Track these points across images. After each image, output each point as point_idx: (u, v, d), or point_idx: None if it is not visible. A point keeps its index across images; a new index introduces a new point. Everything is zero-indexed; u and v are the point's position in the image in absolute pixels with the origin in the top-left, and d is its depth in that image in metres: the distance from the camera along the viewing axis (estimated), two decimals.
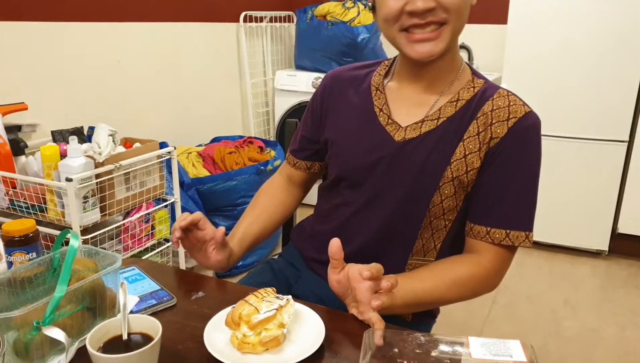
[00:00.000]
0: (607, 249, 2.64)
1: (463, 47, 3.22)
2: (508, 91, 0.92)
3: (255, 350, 0.71)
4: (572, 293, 2.34)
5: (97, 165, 1.67)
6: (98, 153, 1.70)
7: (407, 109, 0.94)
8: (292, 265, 1.13)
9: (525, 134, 0.88)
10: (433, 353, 0.64)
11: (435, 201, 0.90)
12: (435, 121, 0.91)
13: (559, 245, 2.74)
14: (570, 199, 2.64)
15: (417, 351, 0.64)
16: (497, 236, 0.88)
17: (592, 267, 2.60)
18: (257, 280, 1.10)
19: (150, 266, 0.96)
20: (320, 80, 1.40)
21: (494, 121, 0.88)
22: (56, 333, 0.67)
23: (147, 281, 0.90)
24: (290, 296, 0.77)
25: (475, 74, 0.95)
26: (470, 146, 0.88)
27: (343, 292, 0.82)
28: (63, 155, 1.68)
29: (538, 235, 2.77)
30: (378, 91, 0.98)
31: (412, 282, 0.86)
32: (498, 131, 0.87)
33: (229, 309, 0.77)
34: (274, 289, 0.80)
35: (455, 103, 0.91)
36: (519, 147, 0.88)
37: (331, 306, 0.84)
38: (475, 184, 0.90)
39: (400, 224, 0.94)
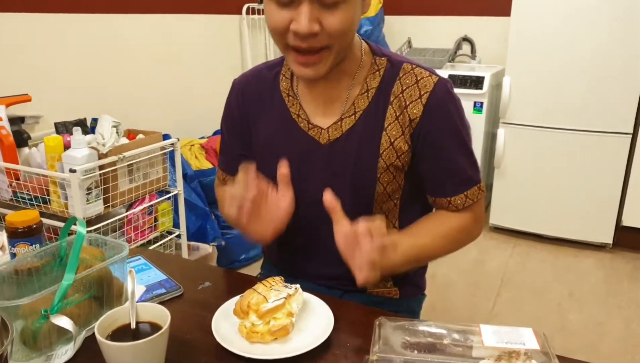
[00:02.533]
0: (611, 242, 2.63)
1: (466, 39, 3.20)
2: (411, 64, 0.91)
3: (264, 340, 0.71)
4: (577, 287, 2.34)
5: (101, 156, 1.66)
6: (102, 144, 1.69)
7: (323, 109, 0.93)
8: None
9: (441, 105, 0.88)
10: (445, 341, 0.63)
11: (378, 190, 0.91)
12: (353, 116, 0.91)
13: (563, 238, 2.73)
14: (574, 192, 2.63)
15: (429, 339, 0.63)
16: (459, 202, 0.93)
17: (596, 260, 2.59)
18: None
19: (156, 256, 0.96)
20: None
21: (407, 103, 0.88)
22: (64, 321, 0.66)
23: (154, 271, 0.89)
24: (298, 285, 0.77)
25: (375, 52, 0.93)
26: (394, 133, 0.89)
27: (350, 249, 0.79)
28: (67, 146, 1.67)
29: (543, 228, 2.78)
30: (290, 97, 0.95)
31: (409, 239, 0.88)
32: (414, 111, 0.88)
33: (237, 298, 0.76)
34: (282, 278, 0.79)
35: (366, 94, 0.91)
36: (440, 119, 0.89)
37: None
38: (413, 163, 0.92)
39: (351, 220, 0.87)
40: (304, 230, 0.95)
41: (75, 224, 0.79)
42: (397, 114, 0.89)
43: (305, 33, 0.77)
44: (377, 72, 0.91)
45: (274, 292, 0.73)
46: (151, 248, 1.96)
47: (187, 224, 2.09)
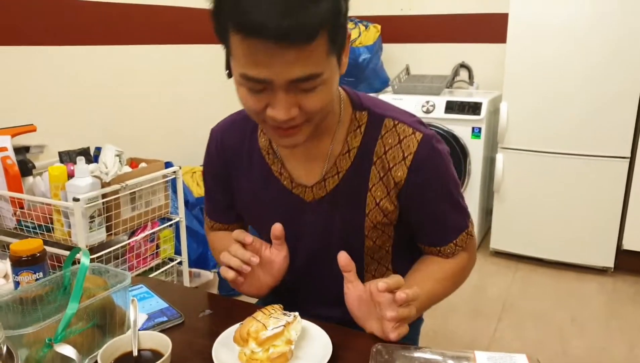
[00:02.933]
0: (612, 266, 2.63)
1: (463, 65, 3.26)
2: (393, 120, 0.88)
3: None
4: (579, 311, 2.33)
5: (104, 185, 1.69)
6: (105, 173, 1.72)
7: (305, 166, 0.92)
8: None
9: (426, 163, 0.87)
10: None
11: (367, 245, 0.93)
12: (336, 176, 0.90)
13: (564, 262, 2.73)
14: (574, 216, 2.64)
15: None
16: (448, 251, 0.94)
17: (598, 284, 2.58)
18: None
19: (158, 284, 0.97)
20: None
21: (391, 165, 0.87)
22: (68, 350, 0.67)
23: (155, 299, 0.91)
24: (297, 313, 0.78)
25: (354, 104, 0.90)
26: (379, 193, 0.89)
27: (364, 310, 0.81)
28: (70, 175, 1.70)
29: (543, 252, 2.78)
30: (270, 155, 0.94)
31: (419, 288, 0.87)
32: (399, 174, 0.87)
33: (237, 326, 0.77)
34: (281, 306, 0.80)
35: (347, 154, 0.89)
36: (426, 177, 0.88)
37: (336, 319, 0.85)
38: (401, 218, 0.92)
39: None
40: (298, 281, 0.97)
41: (79, 254, 0.81)
42: (381, 175, 0.88)
43: (283, 121, 0.74)
44: (358, 130, 0.89)
45: (273, 320, 0.74)
46: (153, 275, 1.97)
47: (189, 251, 2.10)
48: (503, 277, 2.68)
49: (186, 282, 2.12)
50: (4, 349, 0.62)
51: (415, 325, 1.09)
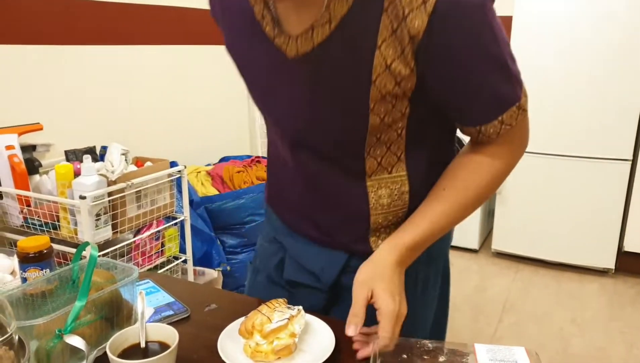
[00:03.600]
0: (614, 267, 2.64)
1: None
2: None
3: (268, 359, 0.73)
4: (580, 312, 2.34)
5: (110, 183, 1.71)
6: (111, 172, 1.74)
7: (298, 10, 0.69)
8: (274, 240, 0.96)
9: (455, 12, 0.62)
10: (440, 359, 0.66)
11: (372, 123, 0.71)
12: (327, 25, 0.67)
13: (566, 263, 2.74)
14: (576, 218, 2.65)
15: (425, 357, 0.66)
16: (491, 131, 0.71)
17: (599, 285, 2.59)
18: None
19: (164, 279, 0.99)
20: None
21: (406, 12, 0.63)
22: (77, 341, 0.69)
23: (162, 294, 0.93)
24: (301, 307, 0.80)
25: None
26: (390, 52, 0.66)
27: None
28: (77, 174, 1.72)
29: (545, 253, 2.79)
30: None
31: (421, 228, 0.75)
32: (416, 24, 0.63)
33: (242, 319, 0.79)
34: (285, 300, 0.82)
35: None
36: (455, 33, 0.63)
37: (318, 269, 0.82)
38: (420, 88, 0.69)
39: (340, 155, 0.78)
40: (282, 177, 0.87)
41: (87, 248, 0.83)
42: (394, 26, 0.64)
43: None
44: None
45: (278, 313, 0.76)
46: (158, 273, 1.99)
47: (193, 250, 2.12)
48: (504, 278, 2.69)
49: (191, 280, 2.14)
50: (16, 339, 0.64)
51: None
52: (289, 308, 0.79)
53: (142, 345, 0.69)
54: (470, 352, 0.68)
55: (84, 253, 0.85)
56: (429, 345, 0.69)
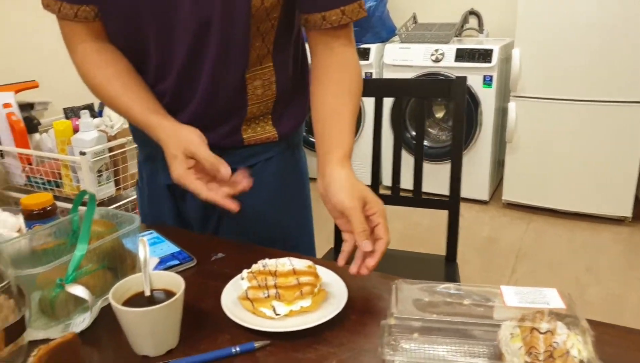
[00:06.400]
0: (630, 215, 2.59)
1: (473, 12, 3.14)
2: None
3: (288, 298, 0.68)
4: (595, 261, 2.30)
5: (110, 139, 1.66)
6: (110, 127, 1.69)
7: None
8: (148, 158, 1.00)
9: None
10: (465, 302, 0.61)
11: (254, 4, 0.79)
12: None
13: (580, 212, 2.69)
14: (590, 164, 2.58)
15: (448, 300, 0.62)
16: (334, 18, 0.81)
17: (614, 234, 2.55)
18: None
19: (169, 230, 0.95)
20: None
21: None
22: (79, 290, 0.66)
23: (166, 244, 0.89)
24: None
25: None
26: None
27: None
28: (76, 130, 1.67)
29: (558, 203, 2.74)
30: None
31: (342, 135, 0.81)
32: None
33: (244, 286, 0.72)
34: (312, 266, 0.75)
35: None
36: None
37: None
38: None
39: (232, 43, 0.82)
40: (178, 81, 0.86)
41: (85, 197, 0.79)
42: None
43: None
44: None
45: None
46: None
47: None
48: (516, 229, 2.65)
49: None
50: (15, 288, 0.60)
51: (298, 132, 1.01)
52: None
53: (147, 293, 0.65)
54: (496, 293, 0.64)
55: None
56: (452, 288, 0.64)
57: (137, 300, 0.65)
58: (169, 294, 0.65)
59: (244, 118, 0.91)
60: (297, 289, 0.69)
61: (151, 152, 0.98)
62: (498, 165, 3.07)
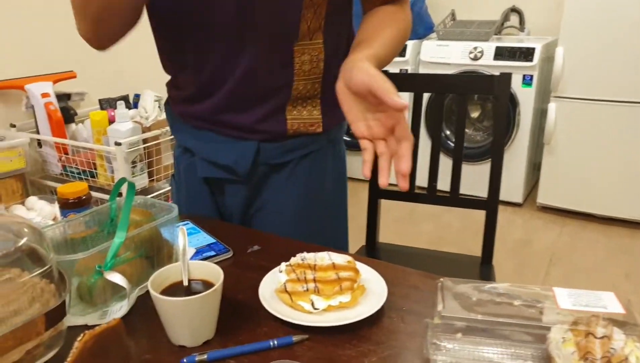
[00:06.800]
0: None
1: (514, 10, 3.06)
2: None
3: (327, 292, 0.67)
4: (634, 267, 2.22)
5: (144, 130, 1.67)
6: (145, 118, 1.70)
7: None
8: (186, 151, 0.98)
9: None
10: (516, 303, 0.58)
11: None
12: None
13: (616, 217, 2.60)
14: (629, 169, 2.49)
15: (497, 300, 0.59)
16: None
17: None
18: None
19: (205, 221, 0.94)
20: None
21: None
22: (117, 278, 0.65)
23: (202, 235, 0.88)
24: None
25: None
26: None
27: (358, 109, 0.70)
28: (111, 121, 1.69)
29: (594, 207, 2.65)
30: None
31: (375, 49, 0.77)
32: None
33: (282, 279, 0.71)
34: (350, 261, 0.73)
35: None
36: None
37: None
38: None
39: (283, 8, 0.80)
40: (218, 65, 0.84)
41: (125, 184, 0.79)
42: None
43: None
44: None
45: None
46: None
47: None
48: (550, 232, 2.58)
49: None
50: (56, 272, 0.60)
51: (340, 125, 0.98)
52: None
53: (185, 282, 0.64)
54: (547, 295, 0.61)
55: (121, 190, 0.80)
56: (500, 288, 0.61)
57: (175, 289, 0.64)
58: (207, 284, 0.64)
59: (289, 97, 0.87)
60: (337, 284, 0.67)
61: (190, 143, 0.95)
62: (534, 168, 2.99)
